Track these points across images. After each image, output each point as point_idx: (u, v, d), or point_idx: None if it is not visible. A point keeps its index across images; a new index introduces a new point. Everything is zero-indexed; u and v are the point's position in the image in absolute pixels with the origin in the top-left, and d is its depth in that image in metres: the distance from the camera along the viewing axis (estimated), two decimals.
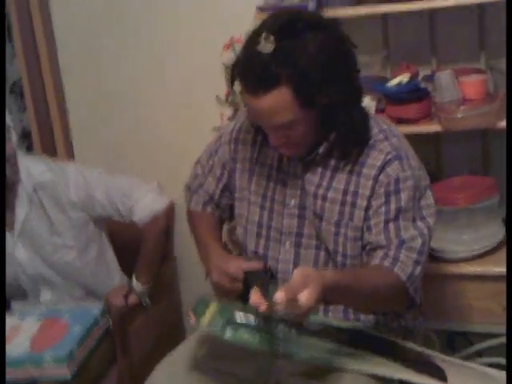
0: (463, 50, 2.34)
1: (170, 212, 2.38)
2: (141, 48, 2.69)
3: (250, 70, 1.55)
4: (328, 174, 1.72)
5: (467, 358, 2.20)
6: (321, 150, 1.70)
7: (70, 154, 2.87)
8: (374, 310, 1.74)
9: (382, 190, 1.66)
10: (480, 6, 2.25)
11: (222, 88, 2.39)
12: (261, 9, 2.26)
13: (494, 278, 2.06)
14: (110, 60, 2.75)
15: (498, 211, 2.19)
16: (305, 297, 1.36)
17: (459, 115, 2.10)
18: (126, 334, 2.19)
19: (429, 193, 1.72)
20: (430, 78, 2.25)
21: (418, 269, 1.65)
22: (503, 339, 2.17)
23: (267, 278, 1.71)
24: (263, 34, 1.53)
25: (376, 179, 1.67)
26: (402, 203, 1.66)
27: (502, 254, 2.09)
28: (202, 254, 1.89)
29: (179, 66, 2.65)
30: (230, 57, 2.30)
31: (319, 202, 1.72)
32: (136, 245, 2.35)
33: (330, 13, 2.10)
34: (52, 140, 2.87)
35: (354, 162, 1.70)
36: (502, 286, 1.84)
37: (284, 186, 1.77)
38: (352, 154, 1.70)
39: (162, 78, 2.68)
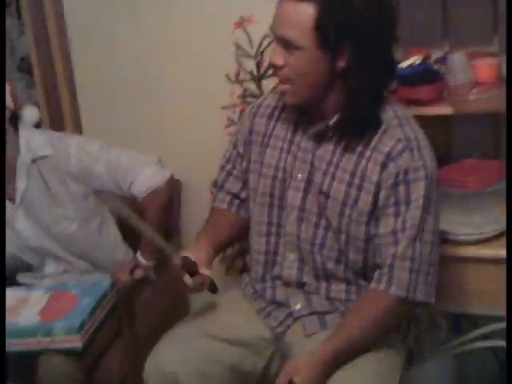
0: (476, 34, 2.33)
1: (170, 186, 2.37)
2: (151, 27, 2.67)
3: None
4: (338, 152, 1.71)
5: (472, 340, 2.19)
6: (331, 121, 1.69)
7: (78, 130, 2.86)
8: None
9: (391, 181, 1.65)
10: None
11: (232, 66, 2.38)
12: None
13: (502, 262, 2.04)
14: (120, 39, 2.73)
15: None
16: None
17: (471, 97, 2.09)
18: (132, 308, 2.20)
19: (435, 186, 1.70)
20: (442, 61, 2.24)
21: (415, 275, 1.66)
22: None
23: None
24: None
25: (384, 166, 1.66)
26: (411, 195, 1.65)
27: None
28: None
29: (189, 45, 2.63)
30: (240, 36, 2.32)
31: (328, 179, 1.72)
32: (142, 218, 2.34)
33: None
34: (60, 116, 2.86)
35: (366, 145, 1.69)
36: None
37: (294, 159, 1.77)
38: (364, 135, 1.69)
39: (173, 58, 2.67)
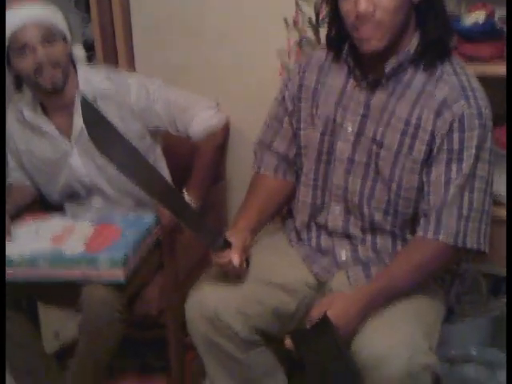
0: None
1: (225, 130, 2.38)
2: None
3: None
4: (393, 100, 1.70)
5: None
6: (387, 67, 1.67)
7: (132, 68, 2.86)
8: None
9: (446, 128, 1.64)
10: None
11: (290, 11, 2.34)
12: None
13: None
14: None
15: None
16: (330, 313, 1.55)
17: None
18: (174, 245, 2.21)
19: (490, 135, 1.69)
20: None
21: (464, 222, 1.64)
22: None
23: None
24: None
25: (439, 114, 1.64)
26: (465, 143, 1.63)
27: None
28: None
29: None
30: None
31: (381, 128, 1.71)
32: (189, 162, 2.35)
33: None
34: (115, 54, 2.86)
35: (420, 92, 1.68)
36: None
37: (344, 111, 1.76)
38: (419, 81, 1.68)
39: None
